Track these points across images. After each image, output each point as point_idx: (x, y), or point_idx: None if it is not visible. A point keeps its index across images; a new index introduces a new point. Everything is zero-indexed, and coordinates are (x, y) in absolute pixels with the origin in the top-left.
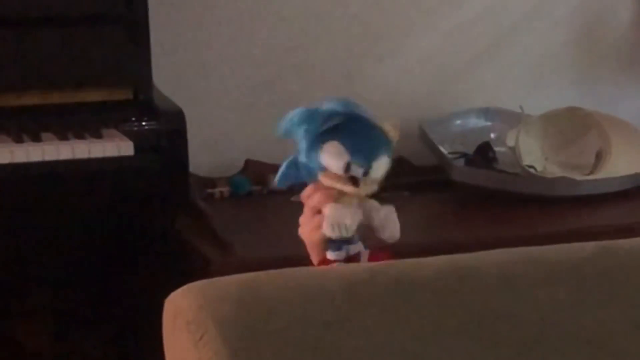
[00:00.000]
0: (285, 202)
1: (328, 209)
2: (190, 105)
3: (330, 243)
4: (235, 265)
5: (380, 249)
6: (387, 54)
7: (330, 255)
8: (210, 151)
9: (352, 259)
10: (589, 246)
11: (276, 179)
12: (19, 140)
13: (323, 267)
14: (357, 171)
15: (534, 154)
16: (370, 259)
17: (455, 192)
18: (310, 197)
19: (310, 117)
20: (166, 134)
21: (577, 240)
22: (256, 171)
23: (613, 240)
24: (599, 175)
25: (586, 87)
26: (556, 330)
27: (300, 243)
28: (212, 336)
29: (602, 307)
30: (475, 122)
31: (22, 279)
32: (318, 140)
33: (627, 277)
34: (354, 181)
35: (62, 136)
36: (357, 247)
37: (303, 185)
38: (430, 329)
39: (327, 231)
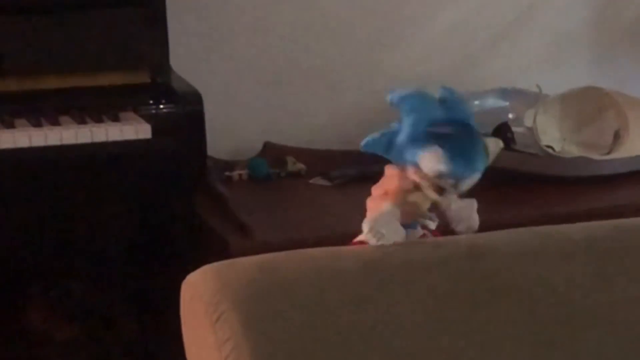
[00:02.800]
0: (304, 185)
1: (381, 208)
2: (208, 87)
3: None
4: (253, 248)
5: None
6: (405, 36)
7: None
8: (228, 134)
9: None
10: (606, 224)
11: (363, 142)
12: (37, 124)
13: (340, 248)
14: (447, 182)
15: (552, 134)
16: None
17: None
18: (391, 178)
19: (423, 109)
20: (184, 116)
21: (596, 220)
22: (275, 154)
23: (631, 219)
24: (617, 155)
25: (604, 67)
26: (571, 308)
27: (317, 226)
28: (229, 317)
29: (619, 285)
30: (493, 102)
31: (40, 264)
32: (422, 138)
33: None
34: (441, 190)
35: (80, 120)
36: (417, 233)
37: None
38: (444, 307)
39: (363, 228)
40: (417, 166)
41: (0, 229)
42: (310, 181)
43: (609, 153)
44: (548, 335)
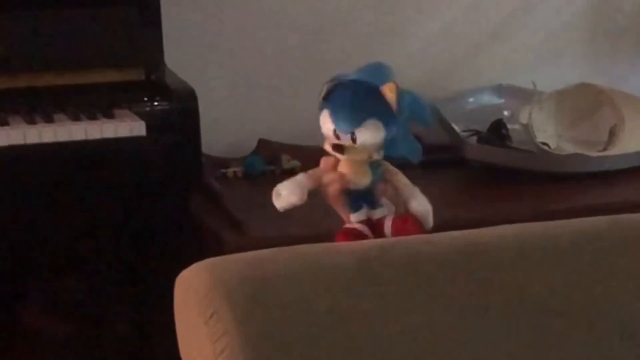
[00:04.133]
0: None
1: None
2: (202, 84)
3: (351, 203)
4: (248, 245)
5: (404, 217)
6: (401, 33)
7: (351, 216)
8: (223, 131)
9: (375, 223)
10: (602, 220)
11: None
12: (31, 121)
13: (334, 244)
14: (344, 138)
15: (547, 131)
16: (394, 225)
17: (468, 170)
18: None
19: (329, 81)
20: (178, 113)
21: (591, 217)
22: (269, 151)
23: (626, 214)
24: (613, 151)
25: (599, 64)
26: (567, 304)
27: (312, 222)
28: (222, 314)
29: (615, 280)
30: (489, 99)
31: (33, 262)
32: (320, 107)
33: None
34: (340, 148)
35: (74, 117)
36: (381, 213)
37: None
38: (441, 304)
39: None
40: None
41: None
42: None
43: (604, 150)
44: (544, 331)
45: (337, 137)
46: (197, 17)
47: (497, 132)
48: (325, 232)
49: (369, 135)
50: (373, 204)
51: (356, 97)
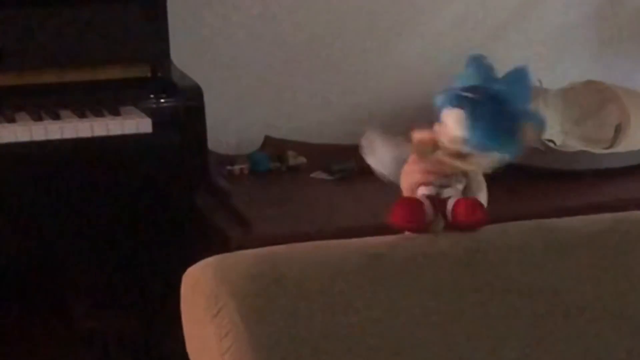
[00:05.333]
0: (305, 179)
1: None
2: (208, 81)
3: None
4: (254, 242)
5: (470, 199)
6: (407, 31)
7: (420, 188)
8: (229, 128)
9: (440, 202)
10: (607, 217)
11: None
12: (37, 118)
13: (341, 241)
14: (464, 148)
15: (553, 128)
16: (456, 206)
17: None
18: (417, 138)
19: (474, 67)
20: (184, 110)
21: (597, 214)
22: (275, 148)
23: (632, 212)
24: (619, 148)
25: (605, 61)
26: (573, 301)
27: (319, 220)
28: (229, 310)
29: (619, 277)
30: None
31: (42, 257)
32: (453, 99)
33: None
34: (458, 155)
35: (81, 114)
36: (451, 192)
37: None
38: (446, 301)
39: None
40: (442, 124)
41: (1, 223)
42: (311, 175)
43: (610, 147)
44: (549, 328)
45: (456, 140)
46: (204, 14)
47: None
48: (331, 229)
49: (488, 162)
50: (445, 182)
51: (501, 121)
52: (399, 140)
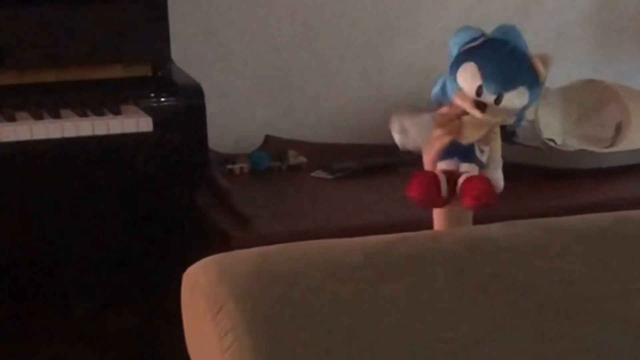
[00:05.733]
0: (305, 178)
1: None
2: (209, 81)
3: (444, 153)
4: (255, 241)
5: (479, 177)
6: (406, 30)
7: (439, 163)
8: (229, 127)
9: (457, 176)
10: (608, 216)
11: (433, 93)
12: (38, 117)
13: (341, 239)
14: (488, 97)
15: (553, 127)
16: (466, 183)
17: None
18: (440, 112)
19: (461, 33)
20: (185, 109)
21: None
22: (276, 147)
23: (632, 211)
24: (619, 147)
25: (606, 60)
26: (574, 300)
27: (319, 218)
28: (229, 309)
29: (621, 276)
30: None
31: (42, 255)
32: (459, 59)
33: None
34: (483, 107)
35: (81, 113)
36: (468, 168)
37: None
38: (445, 299)
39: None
40: (459, 90)
41: (1, 221)
42: (312, 174)
43: (610, 146)
44: (550, 327)
45: (478, 94)
46: (205, 13)
47: (503, 128)
48: (331, 228)
49: (516, 101)
50: (466, 158)
51: (512, 60)
52: (425, 113)
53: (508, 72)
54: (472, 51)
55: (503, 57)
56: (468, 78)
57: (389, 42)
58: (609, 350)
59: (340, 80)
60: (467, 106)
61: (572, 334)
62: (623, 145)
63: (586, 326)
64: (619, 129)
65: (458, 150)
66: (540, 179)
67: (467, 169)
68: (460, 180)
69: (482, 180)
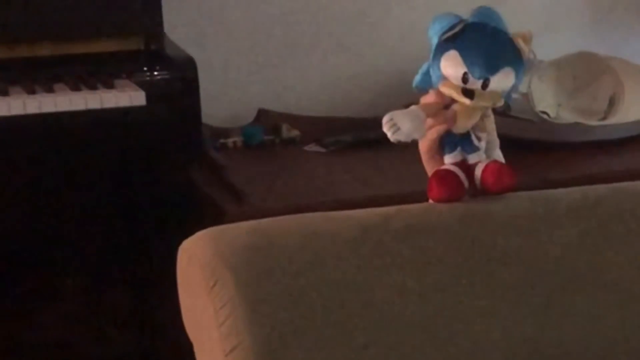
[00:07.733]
0: (299, 152)
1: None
2: (202, 54)
3: (446, 145)
4: (249, 215)
5: (498, 164)
6: (398, 3)
7: (445, 158)
8: (222, 101)
9: (469, 167)
10: (602, 188)
11: (414, 82)
12: (31, 91)
13: (336, 212)
14: (475, 83)
15: (547, 100)
16: (485, 171)
17: None
18: (426, 98)
19: (438, 21)
20: (178, 83)
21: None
22: (269, 121)
23: (626, 182)
24: (613, 120)
25: (599, 32)
26: (568, 271)
27: (313, 192)
28: (225, 282)
29: (614, 247)
30: None
31: (36, 230)
32: (441, 48)
33: None
34: (470, 94)
35: (74, 87)
36: (477, 157)
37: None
38: (440, 271)
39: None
40: (444, 79)
41: None
42: (305, 148)
43: (604, 119)
44: (545, 298)
45: (464, 81)
46: None
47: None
48: (325, 201)
49: (503, 82)
50: (469, 147)
51: (494, 42)
52: (413, 106)
53: (491, 54)
54: (452, 39)
55: (484, 41)
56: (452, 66)
57: (385, 16)
58: (605, 320)
59: (334, 54)
60: (455, 95)
61: (568, 303)
62: (617, 118)
63: (582, 296)
64: (612, 102)
65: (459, 141)
66: (533, 152)
67: (477, 159)
68: (478, 170)
69: (498, 164)
